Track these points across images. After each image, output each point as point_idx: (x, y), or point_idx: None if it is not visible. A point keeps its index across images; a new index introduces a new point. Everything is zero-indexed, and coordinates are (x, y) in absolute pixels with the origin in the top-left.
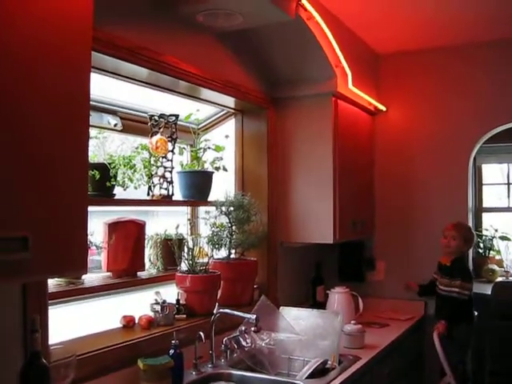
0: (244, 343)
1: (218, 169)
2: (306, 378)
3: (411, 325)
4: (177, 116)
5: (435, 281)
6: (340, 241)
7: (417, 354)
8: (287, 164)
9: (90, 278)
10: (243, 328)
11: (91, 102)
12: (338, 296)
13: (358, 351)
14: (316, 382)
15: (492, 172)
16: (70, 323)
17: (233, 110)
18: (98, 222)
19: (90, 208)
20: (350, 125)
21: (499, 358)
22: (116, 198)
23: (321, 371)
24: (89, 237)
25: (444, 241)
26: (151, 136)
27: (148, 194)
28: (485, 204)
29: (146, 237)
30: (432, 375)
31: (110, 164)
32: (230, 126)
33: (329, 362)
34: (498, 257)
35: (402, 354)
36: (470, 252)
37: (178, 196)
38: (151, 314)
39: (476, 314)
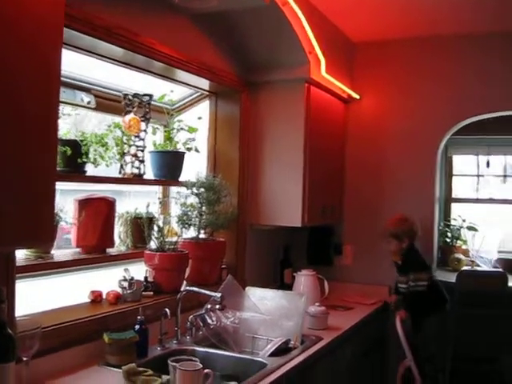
0: (209, 321)
1: (190, 150)
2: (269, 355)
3: (375, 308)
4: (151, 96)
5: None
6: (308, 225)
7: (379, 337)
8: (259, 148)
9: (60, 254)
10: (209, 306)
11: (65, 79)
12: (304, 278)
13: (321, 332)
14: (278, 359)
15: (466, 163)
16: (39, 297)
17: (207, 92)
18: (71, 201)
19: (62, 185)
20: (322, 111)
21: (461, 345)
22: (87, 175)
23: (283, 350)
24: (60, 213)
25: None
26: (124, 115)
27: (120, 173)
28: (458, 195)
29: (117, 214)
30: (393, 358)
31: (81, 141)
32: (203, 108)
33: (291, 342)
34: (464, 246)
35: (365, 336)
36: (435, 241)
37: (149, 176)
38: (119, 290)
39: (448, 299)
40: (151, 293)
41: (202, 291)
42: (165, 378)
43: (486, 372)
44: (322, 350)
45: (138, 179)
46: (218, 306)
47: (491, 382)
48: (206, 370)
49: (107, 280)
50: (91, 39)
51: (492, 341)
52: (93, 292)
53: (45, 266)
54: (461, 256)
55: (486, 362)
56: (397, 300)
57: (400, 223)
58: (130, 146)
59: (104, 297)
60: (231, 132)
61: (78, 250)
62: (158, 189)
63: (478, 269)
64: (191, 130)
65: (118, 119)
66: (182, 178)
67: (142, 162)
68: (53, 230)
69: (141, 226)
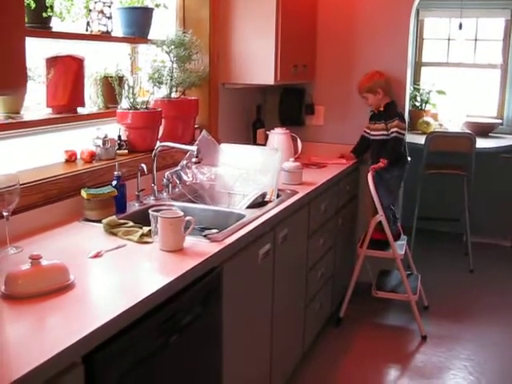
0: (185, 178)
1: (158, 6)
2: (246, 208)
3: (348, 167)
4: None
5: (366, 135)
6: (281, 82)
7: (352, 193)
8: (230, 3)
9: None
10: (185, 162)
11: None
12: (277, 137)
13: (296, 187)
14: (255, 211)
15: (438, 27)
16: (11, 158)
17: None
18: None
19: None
20: None
21: (426, 205)
22: (54, 30)
23: (259, 204)
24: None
25: (366, 102)
26: None
27: (86, 30)
28: (429, 59)
29: (86, 75)
30: (365, 213)
31: None
32: None
33: (267, 196)
34: (433, 110)
35: (339, 192)
36: (406, 106)
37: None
38: (93, 149)
39: (409, 159)
40: (126, 151)
41: (178, 145)
42: (146, 228)
43: (446, 232)
44: (297, 202)
45: (105, 36)
46: (194, 160)
47: (450, 242)
48: (187, 218)
49: (80, 141)
50: None
51: (455, 202)
52: (67, 151)
53: (15, 126)
54: (430, 119)
55: (448, 223)
56: (372, 154)
57: (372, 77)
58: (95, 2)
59: (78, 156)
60: None
61: (48, 110)
62: (126, 49)
63: (447, 130)
64: None
65: None
66: (150, 36)
67: (109, 18)
68: (24, 74)
69: (112, 85)
